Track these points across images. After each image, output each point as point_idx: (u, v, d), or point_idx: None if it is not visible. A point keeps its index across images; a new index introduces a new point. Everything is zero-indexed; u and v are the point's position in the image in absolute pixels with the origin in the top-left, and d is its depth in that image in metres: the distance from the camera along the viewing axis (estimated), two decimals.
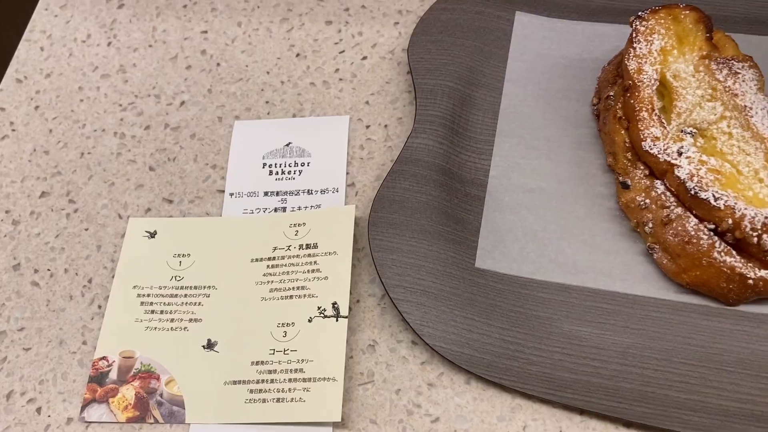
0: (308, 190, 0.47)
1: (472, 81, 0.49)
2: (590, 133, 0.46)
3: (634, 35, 0.43)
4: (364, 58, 0.52)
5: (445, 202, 0.44)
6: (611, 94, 0.45)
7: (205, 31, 0.55)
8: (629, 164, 0.42)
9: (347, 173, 0.48)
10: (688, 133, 0.41)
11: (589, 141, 0.46)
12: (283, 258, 0.44)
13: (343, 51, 0.53)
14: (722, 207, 0.37)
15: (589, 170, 0.45)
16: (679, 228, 0.39)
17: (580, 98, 0.48)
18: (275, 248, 0.44)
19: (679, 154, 0.40)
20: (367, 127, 0.49)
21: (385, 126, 0.49)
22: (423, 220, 0.43)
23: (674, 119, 0.41)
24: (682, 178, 0.39)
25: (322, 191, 0.47)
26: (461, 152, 0.46)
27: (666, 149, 0.40)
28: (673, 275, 0.40)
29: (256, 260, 0.44)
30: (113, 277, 0.44)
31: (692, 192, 0.38)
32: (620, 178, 0.43)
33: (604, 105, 0.45)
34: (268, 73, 0.52)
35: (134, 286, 0.44)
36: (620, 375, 0.38)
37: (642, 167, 0.42)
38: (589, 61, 0.49)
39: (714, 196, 0.38)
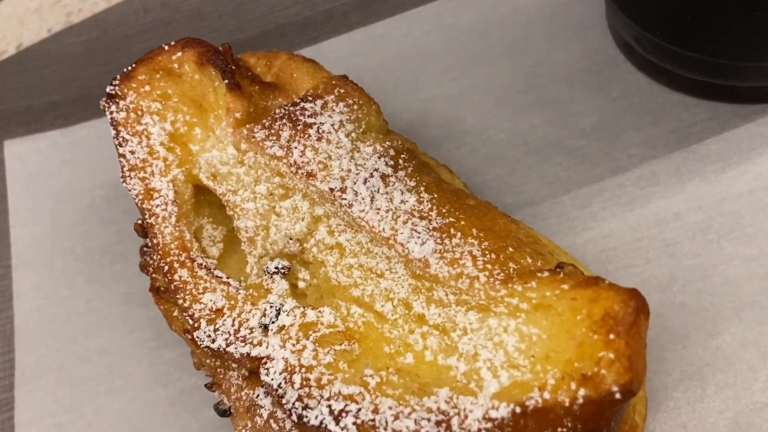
0: None
1: None
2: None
3: (115, 133, 0.22)
4: None
5: None
6: (146, 247, 0.24)
7: None
8: (218, 366, 0.22)
9: None
10: (276, 272, 0.21)
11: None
12: None
13: None
14: None
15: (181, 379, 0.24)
16: None
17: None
18: None
19: (265, 329, 0.19)
20: None
21: None
22: None
23: (248, 253, 0.21)
24: (274, 386, 0.19)
25: None
26: None
27: (240, 328, 0.20)
28: None
29: None
30: None
31: (295, 418, 0.18)
32: (218, 400, 0.22)
33: (142, 262, 0.24)
34: None
35: None
36: None
37: (236, 366, 0.21)
38: None
39: (331, 409, 0.17)
